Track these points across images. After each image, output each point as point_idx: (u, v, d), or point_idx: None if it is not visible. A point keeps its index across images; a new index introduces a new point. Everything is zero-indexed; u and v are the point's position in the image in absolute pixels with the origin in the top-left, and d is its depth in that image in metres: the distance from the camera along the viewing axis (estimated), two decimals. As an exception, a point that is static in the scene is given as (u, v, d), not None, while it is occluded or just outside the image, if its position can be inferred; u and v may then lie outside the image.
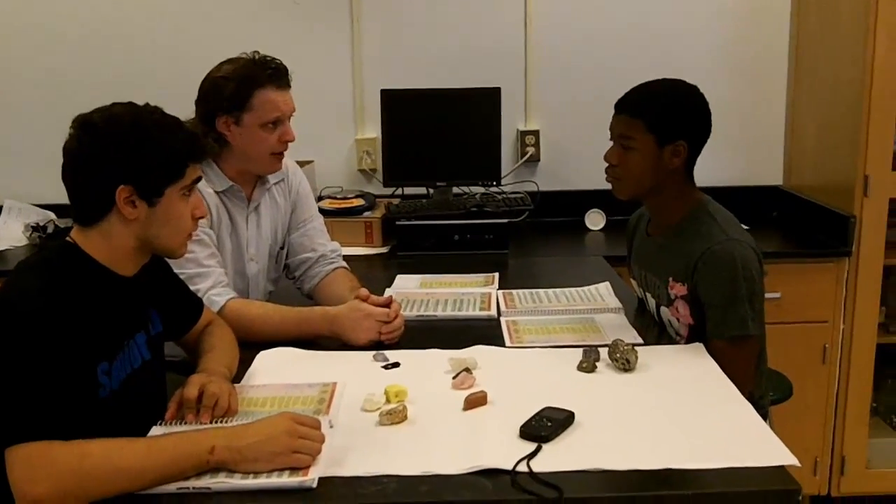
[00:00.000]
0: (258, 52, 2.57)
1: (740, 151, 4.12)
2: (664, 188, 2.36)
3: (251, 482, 1.61)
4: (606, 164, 2.40)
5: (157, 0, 3.99)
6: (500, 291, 2.85)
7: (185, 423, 1.84)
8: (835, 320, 3.54)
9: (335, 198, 3.80)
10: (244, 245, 2.70)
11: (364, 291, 2.49)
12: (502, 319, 2.59)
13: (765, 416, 2.27)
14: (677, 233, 2.37)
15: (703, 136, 2.36)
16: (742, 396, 1.98)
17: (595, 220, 3.99)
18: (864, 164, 3.40)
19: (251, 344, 2.34)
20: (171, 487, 1.60)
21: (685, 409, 1.93)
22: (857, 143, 3.40)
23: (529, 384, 2.07)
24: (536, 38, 4.05)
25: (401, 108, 3.85)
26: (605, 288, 2.85)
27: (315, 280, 2.83)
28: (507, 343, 2.39)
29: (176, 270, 2.23)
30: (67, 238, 1.87)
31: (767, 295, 2.37)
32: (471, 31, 4.04)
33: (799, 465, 1.66)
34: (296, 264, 2.86)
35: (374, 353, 2.31)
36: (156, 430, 1.81)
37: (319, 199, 3.71)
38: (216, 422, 1.84)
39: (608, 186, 2.42)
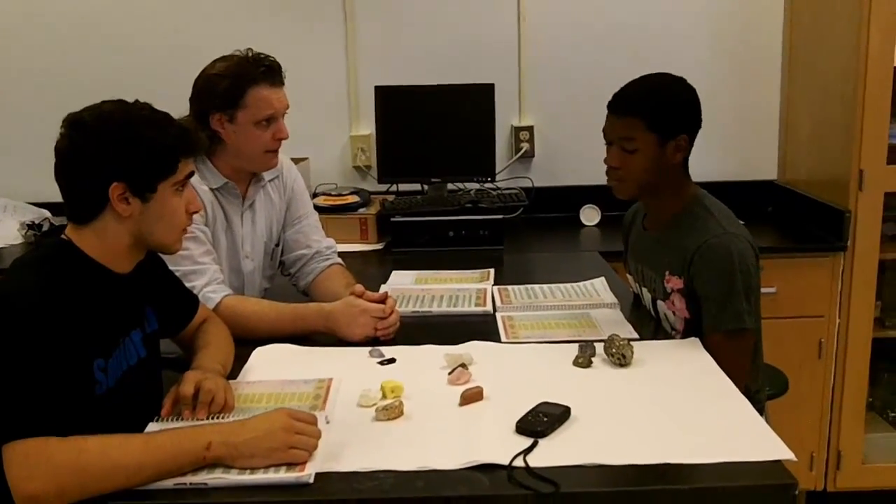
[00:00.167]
0: (252, 50, 2.56)
1: (735, 146, 4.13)
2: (664, 183, 2.36)
3: (248, 478, 1.61)
4: (607, 167, 2.37)
5: (151, -3, 4.00)
6: (496, 287, 2.85)
7: (182, 420, 1.84)
8: (830, 315, 3.55)
9: (330, 194, 3.80)
10: (239, 242, 2.70)
11: (359, 288, 2.49)
12: (498, 315, 2.59)
13: (761, 411, 2.27)
14: (674, 227, 2.37)
15: (698, 126, 2.36)
16: (738, 391, 1.98)
17: (590, 215, 4.00)
18: (859, 159, 3.40)
19: (247, 340, 2.34)
20: (168, 483, 1.60)
21: (681, 404, 1.93)
22: (851, 138, 3.40)
23: (525, 379, 2.07)
24: (531, 35, 4.05)
25: (395, 104, 3.85)
26: (600, 283, 2.85)
27: (310, 277, 2.83)
28: (503, 339, 2.39)
29: (171, 267, 2.24)
30: (62, 236, 1.87)
31: (763, 290, 2.37)
32: (465, 27, 4.04)
33: (795, 459, 1.66)
34: (291, 261, 2.86)
35: (369, 349, 2.31)
36: (152, 427, 1.81)
37: (314, 195, 3.71)
38: (212, 418, 1.85)
39: (603, 182, 2.41)
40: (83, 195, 1.83)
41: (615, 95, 2.36)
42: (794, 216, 3.91)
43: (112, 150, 1.79)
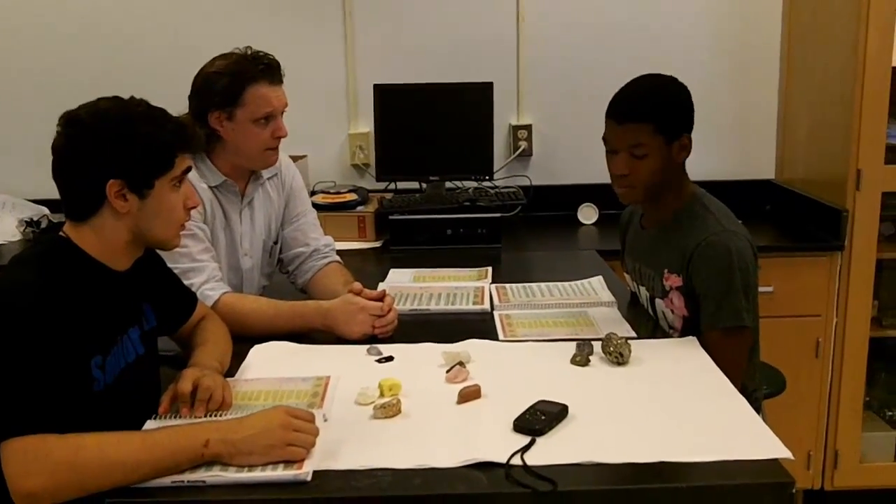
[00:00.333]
0: (251, 48, 2.56)
1: (733, 145, 4.14)
2: (666, 184, 2.34)
3: (245, 475, 1.61)
4: (612, 175, 2.35)
5: (150, -5, 4.00)
6: (494, 285, 2.85)
7: (180, 417, 1.84)
8: (828, 314, 3.55)
9: (328, 192, 3.80)
10: (238, 240, 2.70)
11: (357, 285, 2.49)
12: (495, 313, 2.59)
13: (758, 410, 2.27)
14: (673, 225, 2.37)
15: (693, 123, 2.36)
16: (735, 390, 1.99)
17: (588, 214, 4.00)
18: (857, 158, 3.40)
19: (245, 338, 2.34)
20: (166, 481, 1.60)
21: (679, 402, 1.93)
22: (849, 137, 3.41)
23: (523, 378, 2.07)
24: (529, 33, 4.05)
25: (394, 102, 3.86)
26: (598, 282, 2.85)
27: (309, 274, 2.83)
28: (501, 337, 2.39)
29: (170, 265, 2.24)
30: (60, 233, 1.87)
31: (760, 289, 2.37)
32: (464, 26, 4.04)
33: (792, 458, 1.66)
34: (289, 259, 2.86)
35: (367, 346, 2.31)
36: (150, 424, 1.80)
37: (312, 193, 3.70)
38: (210, 415, 1.85)
39: (601, 181, 2.41)
40: (80, 193, 1.83)
41: (616, 103, 2.33)
42: (791, 215, 3.91)
43: (109, 148, 1.79)
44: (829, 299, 3.54)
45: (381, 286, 2.78)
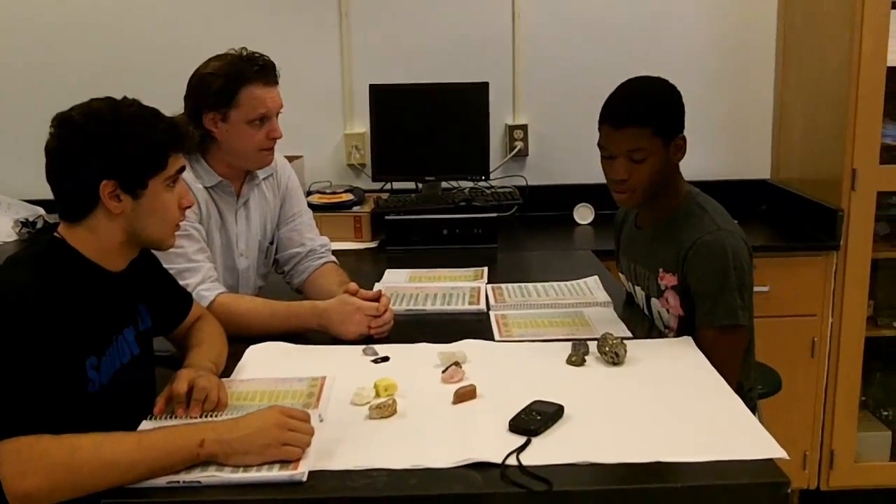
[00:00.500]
0: (246, 49, 2.56)
1: (728, 145, 4.14)
2: (663, 185, 2.34)
3: (241, 476, 1.61)
4: (610, 180, 2.34)
5: (145, -5, 3.99)
6: (489, 286, 2.85)
7: (175, 418, 1.83)
8: (823, 314, 3.55)
9: (324, 193, 3.80)
10: (233, 240, 2.70)
11: (353, 286, 2.49)
12: (491, 313, 2.59)
13: (754, 410, 2.28)
14: (668, 224, 2.37)
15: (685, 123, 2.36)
16: (731, 390, 1.99)
17: (583, 214, 4.00)
18: (852, 158, 3.40)
19: (241, 338, 2.34)
20: (162, 481, 1.60)
21: (674, 402, 1.93)
22: (844, 137, 3.41)
23: (519, 378, 2.07)
24: (525, 33, 4.05)
25: (389, 102, 3.85)
26: (593, 282, 2.85)
27: (304, 275, 2.83)
28: (497, 337, 2.39)
29: (165, 265, 2.24)
30: (55, 234, 1.87)
31: (756, 288, 2.37)
32: (460, 25, 4.04)
33: (788, 458, 1.66)
34: (285, 259, 2.86)
35: (363, 347, 2.31)
36: (145, 425, 1.80)
37: (308, 194, 3.71)
38: (206, 416, 1.85)
39: (597, 181, 2.40)
40: (74, 194, 1.83)
41: (612, 107, 2.31)
42: (787, 215, 3.91)
43: (102, 148, 1.79)
44: (825, 299, 3.54)
45: (377, 286, 2.78)
